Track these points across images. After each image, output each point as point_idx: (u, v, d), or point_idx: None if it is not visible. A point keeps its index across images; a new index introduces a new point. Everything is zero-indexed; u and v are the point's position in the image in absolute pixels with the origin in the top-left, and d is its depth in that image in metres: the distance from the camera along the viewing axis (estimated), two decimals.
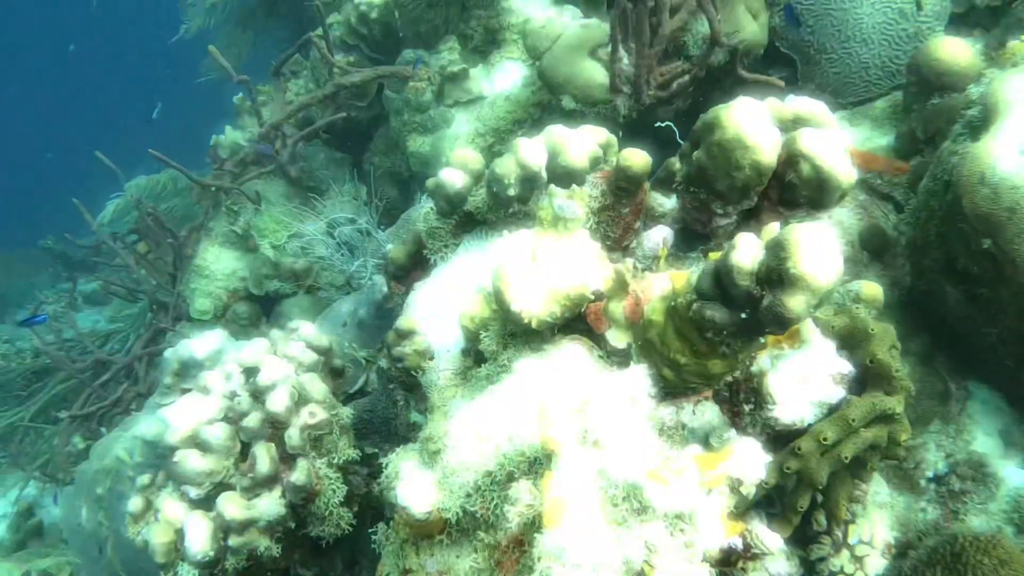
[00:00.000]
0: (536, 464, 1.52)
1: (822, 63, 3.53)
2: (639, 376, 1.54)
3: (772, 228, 1.44)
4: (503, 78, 4.39)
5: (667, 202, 2.34)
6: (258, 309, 4.82)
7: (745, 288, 1.34)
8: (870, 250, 2.80)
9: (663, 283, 1.70)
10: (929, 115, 3.05)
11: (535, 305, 1.70)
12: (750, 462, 1.36)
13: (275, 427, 2.36)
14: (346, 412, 2.54)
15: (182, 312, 5.01)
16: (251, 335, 4.86)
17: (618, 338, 1.72)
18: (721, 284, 1.38)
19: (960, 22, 3.57)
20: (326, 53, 4.30)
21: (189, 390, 3.07)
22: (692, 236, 2.17)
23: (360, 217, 4.72)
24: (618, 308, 1.70)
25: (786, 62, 3.68)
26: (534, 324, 1.71)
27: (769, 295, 1.32)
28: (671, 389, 1.65)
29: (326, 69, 4.67)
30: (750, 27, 3.50)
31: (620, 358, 1.75)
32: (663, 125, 3.33)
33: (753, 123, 1.81)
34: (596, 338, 1.82)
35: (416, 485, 1.66)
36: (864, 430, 1.77)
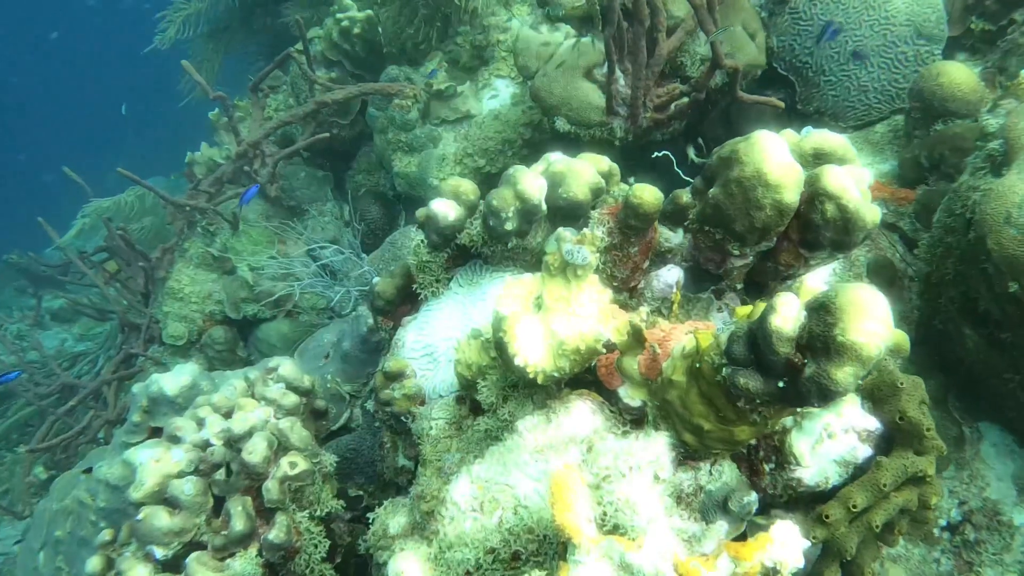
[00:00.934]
0: (546, 543, 1.37)
1: (821, 85, 3.44)
2: (660, 447, 1.40)
3: (810, 285, 1.31)
4: (492, 96, 4.26)
5: (674, 237, 2.20)
6: (235, 334, 4.62)
7: (785, 356, 1.20)
8: (878, 283, 2.69)
9: (681, 336, 1.56)
10: (933, 142, 2.96)
11: (541, 359, 1.55)
12: (789, 549, 1.22)
13: (251, 479, 2.18)
14: (330, 459, 2.36)
15: (155, 335, 4.80)
16: (228, 360, 4.68)
17: (632, 395, 1.57)
18: (756, 349, 1.24)
19: (955, 45, 3.50)
20: (307, 69, 4.14)
21: (158, 429, 2.89)
22: (703, 275, 2.04)
23: (342, 238, 4.55)
24: (633, 363, 1.55)
25: (783, 84, 3.59)
26: (540, 380, 1.57)
27: (812, 364, 1.18)
28: (691, 453, 1.51)
29: (307, 85, 4.51)
30: (748, 48, 3.40)
31: (633, 416, 1.61)
32: (660, 155, 3.22)
33: (775, 159, 1.68)
34: (605, 391, 1.68)
35: (410, 562, 1.50)
36: (894, 494, 1.64)
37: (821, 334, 1.17)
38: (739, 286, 2.03)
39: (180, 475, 2.10)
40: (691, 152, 3.08)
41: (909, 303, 2.69)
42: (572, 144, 3.37)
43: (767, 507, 1.80)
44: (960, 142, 2.83)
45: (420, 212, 2.27)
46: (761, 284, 2.06)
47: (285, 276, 4.38)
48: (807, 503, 1.77)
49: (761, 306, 1.33)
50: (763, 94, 3.31)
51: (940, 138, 2.91)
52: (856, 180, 1.73)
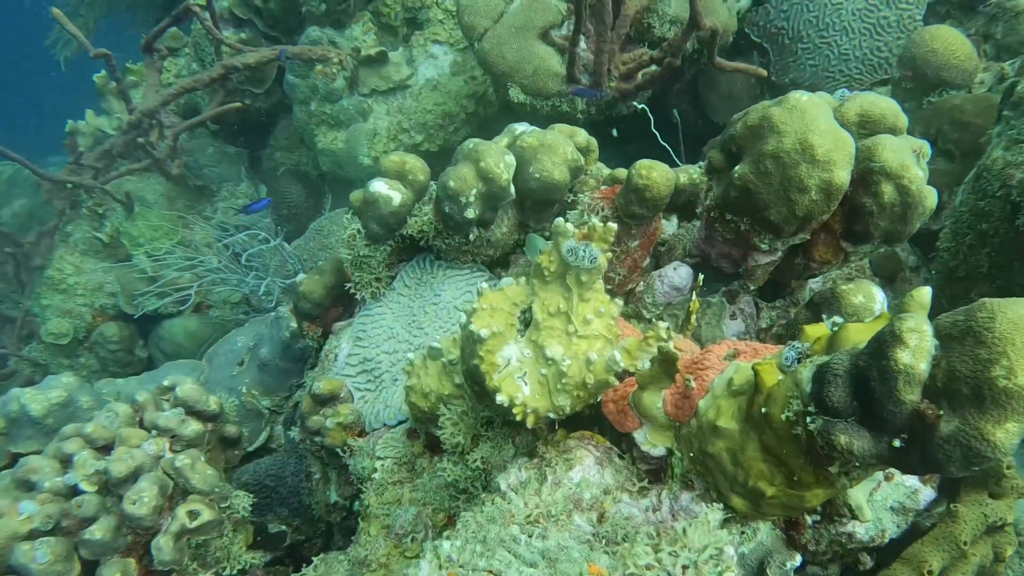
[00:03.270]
0: None
1: (798, 53, 3.11)
2: (717, 527, 1.01)
3: (923, 295, 0.93)
4: (428, 63, 3.78)
5: (668, 226, 1.82)
6: (132, 331, 4.02)
7: (912, 404, 0.83)
8: (882, 275, 2.39)
9: (717, 362, 1.17)
10: (929, 115, 2.67)
11: (533, 396, 1.14)
12: None
13: (137, 534, 1.70)
14: (244, 501, 1.89)
15: (34, 331, 4.14)
16: (123, 361, 4.07)
17: (654, 442, 1.18)
18: (864, 393, 0.86)
19: (929, 11, 3.24)
20: (211, 27, 3.56)
21: (20, 455, 2.36)
22: (712, 273, 1.66)
23: (259, 223, 4.01)
24: (656, 400, 1.16)
25: (756, 51, 3.25)
26: (530, 422, 1.16)
27: (953, 418, 0.81)
28: (738, 519, 1.13)
29: (212, 47, 3.92)
30: (719, 10, 3.04)
31: (651, 466, 1.22)
32: (639, 108, 2.83)
33: (822, 127, 1.30)
34: (610, 430, 1.28)
35: None
36: (971, 551, 1.30)
37: (970, 375, 0.80)
38: (753, 287, 1.67)
39: (32, 536, 1.60)
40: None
41: None
42: (526, 118, 2.96)
43: (803, 565, 1.45)
44: (959, 115, 2.54)
45: (356, 195, 1.82)
46: (780, 284, 1.70)
47: (192, 266, 3.82)
48: (853, 556, 1.43)
49: (859, 329, 0.95)
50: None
51: (936, 111, 2.62)
52: (917, 153, 1.38)
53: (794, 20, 3.08)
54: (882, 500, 1.36)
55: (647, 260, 1.59)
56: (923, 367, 0.82)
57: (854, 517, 1.30)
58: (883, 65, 3.03)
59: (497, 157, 1.64)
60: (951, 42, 2.67)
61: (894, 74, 2.92)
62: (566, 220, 1.50)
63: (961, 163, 2.45)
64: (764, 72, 2.74)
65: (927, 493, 1.38)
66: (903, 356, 0.82)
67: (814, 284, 1.88)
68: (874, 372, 0.85)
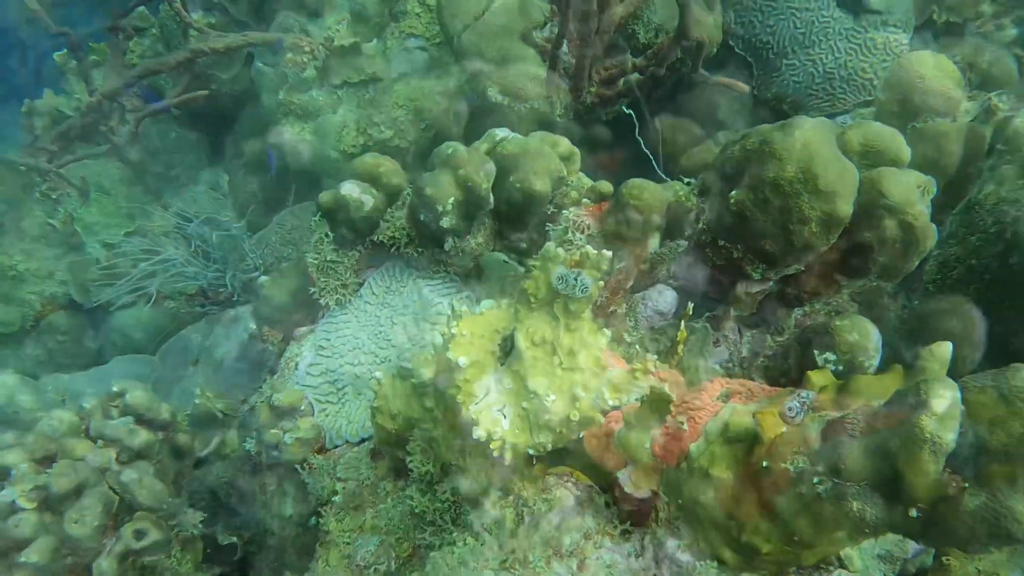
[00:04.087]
0: None
1: (782, 69, 3.07)
2: None
3: (944, 352, 0.87)
4: (402, 57, 3.66)
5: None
6: (82, 321, 3.85)
7: (935, 475, 0.76)
8: (859, 302, 2.35)
9: (710, 402, 1.10)
10: (912, 141, 2.64)
11: (512, 431, 1.06)
12: None
13: (78, 555, 1.58)
14: (193, 519, 1.78)
15: None
16: (72, 352, 3.90)
17: (638, 484, 1.10)
18: (883, 459, 0.79)
19: (914, 34, 3.23)
20: (180, 9, 3.40)
21: None
22: (695, 296, 1.59)
23: (219, 213, 3.85)
24: (643, 440, 1.08)
25: (739, 65, 3.20)
26: (508, 458, 1.07)
27: (980, 493, 0.75)
28: (726, 571, 1.06)
29: (180, 30, 3.75)
30: (704, 21, 2.98)
31: (634, 507, 1.14)
32: (626, 111, 2.76)
33: (826, 156, 1.24)
34: (590, 465, 1.20)
35: None
36: None
37: (1001, 450, 0.73)
38: (737, 313, 1.60)
39: None
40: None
41: (889, 325, 2.37)
42: (502, 118, 2.87)
43: None
44: (945, 142, 2.52)
45: (326, 197, 1.71)
46: (765, 310, 1.63)
47: (149, 256, 3.65)
48: None
49: (870, 383, 0.88)
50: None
51: (920, 137, 2.59)
52: (922, 189, 1.32)
53: (780, 35, 3.03)
54: (870, 548, 1.31)
55: (630, 282, 1.51)
56: (950, 437, 0.75)
57: (842, 566, 1.24)
58: (867, 86, 3.00)
59: (477, 165, 1.55)
60: (939, 69, 2.65)
61: (878, 96, 2.90)
62: (548, 232, 1.42)
63: (943, 192, 2.42)
64: (746, 88, 2.69)
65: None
66: (929, 424, 0.75)
67: (797, 312, 1.82)
68: (894, 438, 0.78)
